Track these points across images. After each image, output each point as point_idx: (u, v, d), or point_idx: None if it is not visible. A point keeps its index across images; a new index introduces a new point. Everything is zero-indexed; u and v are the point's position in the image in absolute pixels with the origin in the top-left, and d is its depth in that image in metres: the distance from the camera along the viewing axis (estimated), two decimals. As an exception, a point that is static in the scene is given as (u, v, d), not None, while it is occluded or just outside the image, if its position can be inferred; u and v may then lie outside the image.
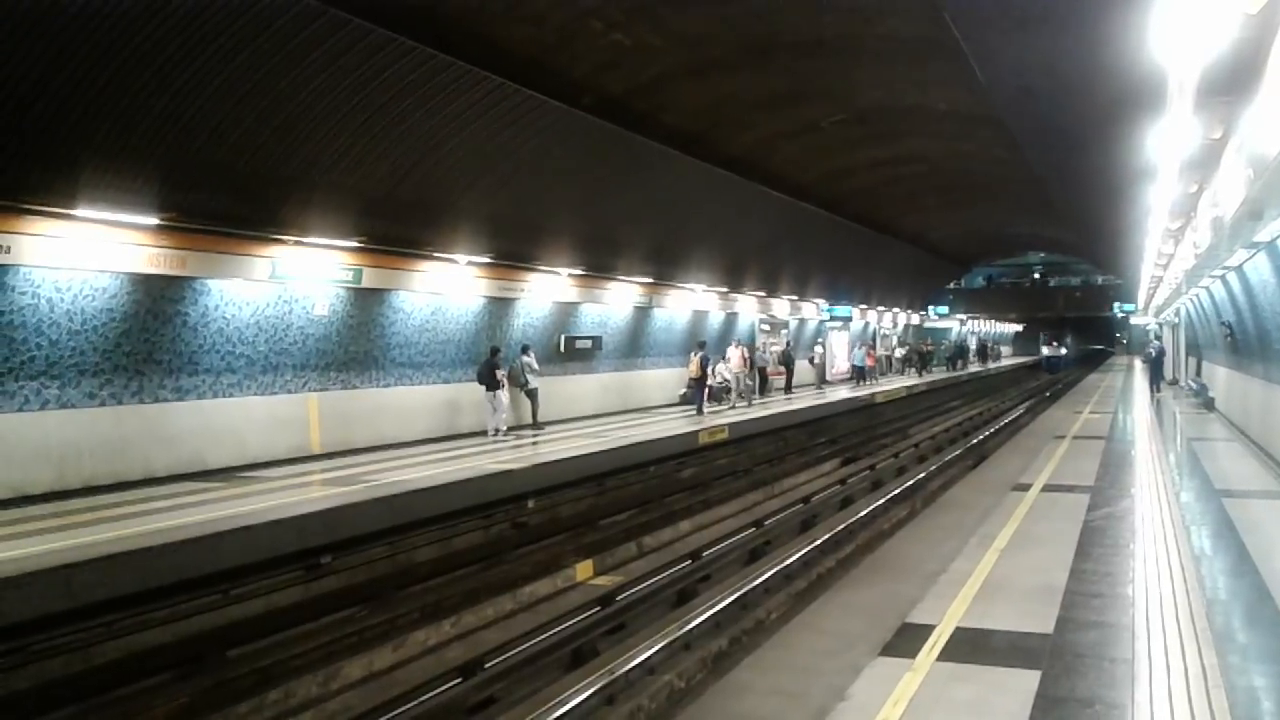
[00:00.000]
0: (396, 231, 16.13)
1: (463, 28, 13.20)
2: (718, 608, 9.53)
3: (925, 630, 6.69)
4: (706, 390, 23.54)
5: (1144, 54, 7.84)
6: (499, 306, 19.78)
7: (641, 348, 25.80)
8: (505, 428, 18.21)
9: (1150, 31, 7.08)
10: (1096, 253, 46.45)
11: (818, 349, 37.05)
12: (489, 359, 18.02)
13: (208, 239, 13.38)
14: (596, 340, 23.25)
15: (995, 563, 8.63)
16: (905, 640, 6.52)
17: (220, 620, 9.25)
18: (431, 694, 7.50)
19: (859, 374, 35.87)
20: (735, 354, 25.29)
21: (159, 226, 12.59)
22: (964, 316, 64.51)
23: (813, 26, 15.48)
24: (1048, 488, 12.77)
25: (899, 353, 46.45)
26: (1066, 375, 61.97)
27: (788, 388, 31.59)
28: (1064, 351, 69.72)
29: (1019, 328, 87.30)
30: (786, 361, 32.46)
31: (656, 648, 8.29)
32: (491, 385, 17.85)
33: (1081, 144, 17.43)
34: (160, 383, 13.27)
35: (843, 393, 31.43)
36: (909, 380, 39.93)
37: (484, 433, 18.10)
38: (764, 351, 32.66)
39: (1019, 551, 9.07)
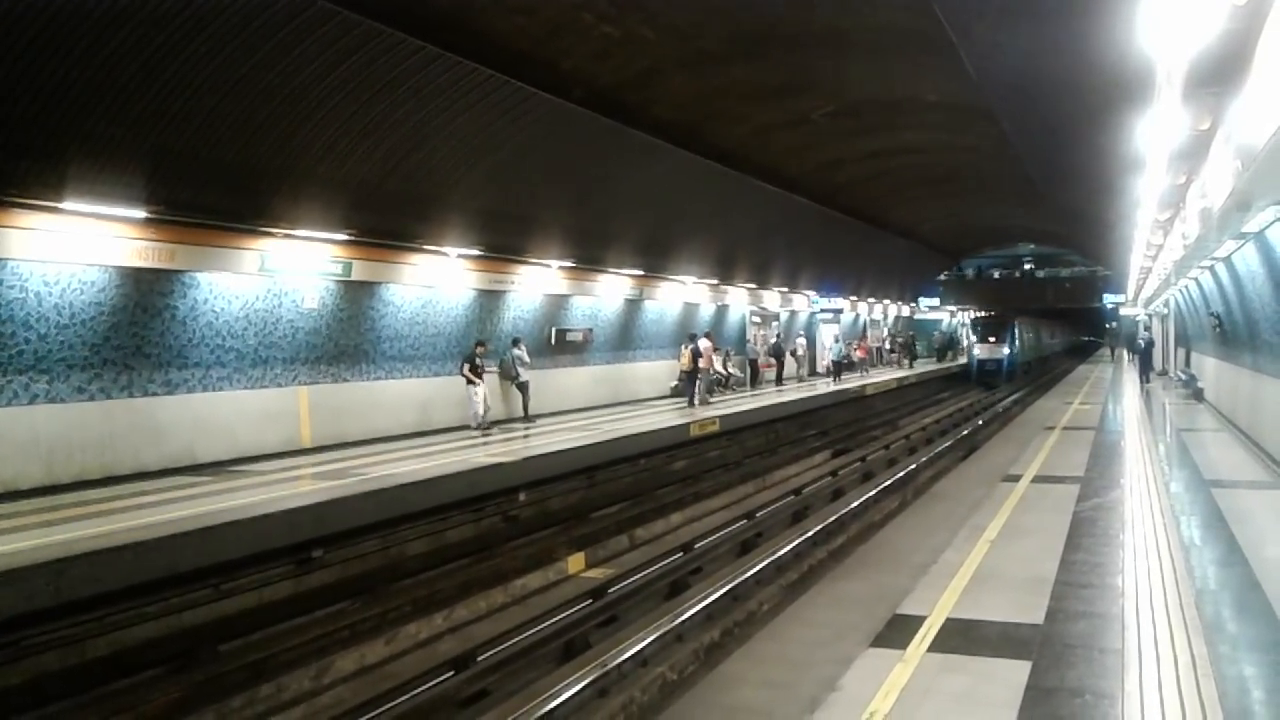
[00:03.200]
0: (386, 224, 16.09)
1: (452, 20, 13.15)
2: (709, 600, 9.56)
3: (916, 621, 6.71)
4: (698, 383, 23.41)
5: (1132, 45, 7.85)
6: (489, 299, 19.75)
7: (632, 340, 25.79)
8: (480, 422, 17.74)
9: (1139, 22, 7.10)
10: (1086, 244, 46.58)
11: (800, 341, 36.50)
12: (470, 352, 17.90)
13: (196, 232, 13.32)
14: (587, 333, 23.23)
15: (985, 554, 8.66)
16: (896, 631, 6.54)
17: (212, 615, 9.24)
18: (424, 687, 7.52)
19: (836, 369, 33.25)
20: (706, 346, 23.67)
21: (147, 220, 12.53)
22: (954, 308, 64.21)
23: (803, 18, 15.46)
24: (1038, 479, 12.82)
25: (887, 344, 46.35)
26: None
27: (778, 379, 31.62)
28: (1007, 352, 43.43)
29: None
30: (777, 354, 32.47)
31: (649, 640, 8.31)
32: (470, 379, 17.72)
33: (1071, 135, 17.46)
34: (149, 377, 13.22)
35: (833, 385, 31.47)
36: (900, 372, 39.92)
37: (477, 425, 18.03)
38: (754, 344, 32.62)
39: (1009, 543, 9.11)
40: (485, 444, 15.84)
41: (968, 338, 47.13)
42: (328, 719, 7.28)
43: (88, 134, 11.08)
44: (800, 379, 34.83)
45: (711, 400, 23.81)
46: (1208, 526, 10.06)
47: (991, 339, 43.85)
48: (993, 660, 5.96)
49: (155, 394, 13.30)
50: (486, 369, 18.21)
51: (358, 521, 11.08)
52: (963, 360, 47.67)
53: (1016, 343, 44.01)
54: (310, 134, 13.32)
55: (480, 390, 17.80)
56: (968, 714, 5.21)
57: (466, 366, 17.71)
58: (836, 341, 35.62)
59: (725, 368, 28.23)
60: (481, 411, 17.86)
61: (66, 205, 11.52)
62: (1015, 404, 33.49)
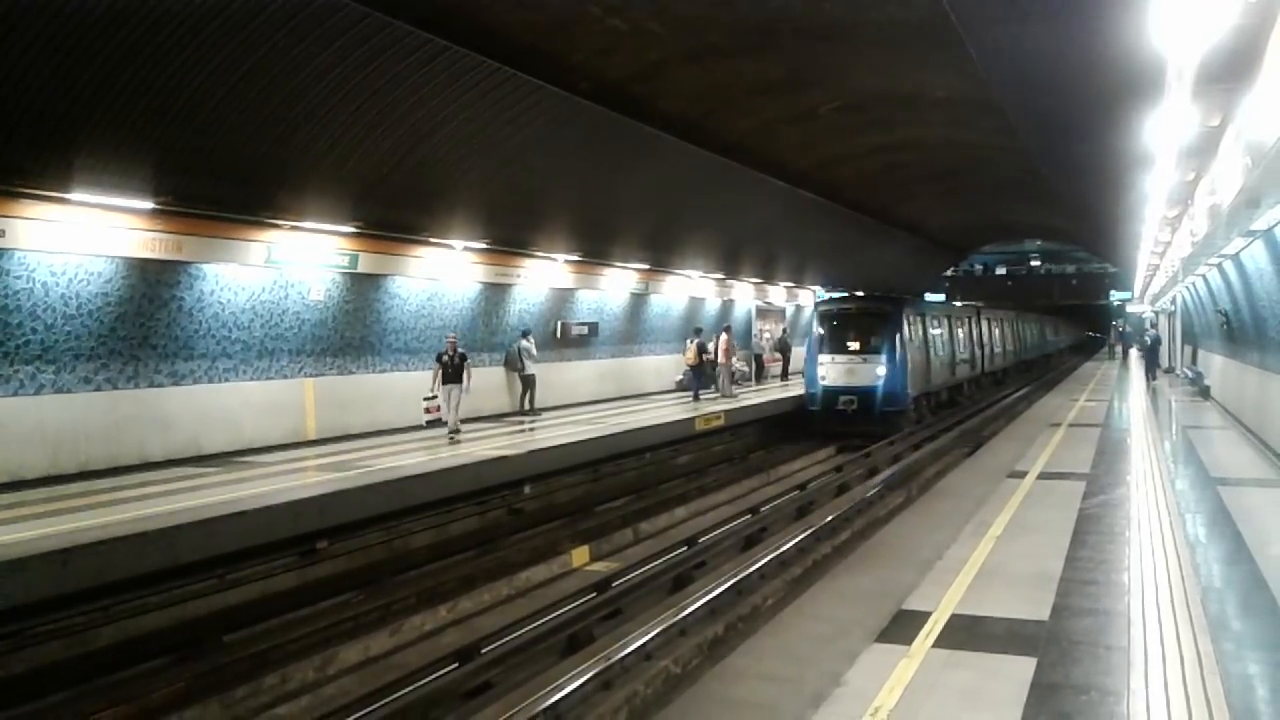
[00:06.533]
0: (392, 217, 16.07)
1: (460, 12, 13.12)
2: (713, 594, 9.55)
3: (921, 617, 6.70)
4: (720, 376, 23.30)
5: (1143, 41, 7.81)
6: (495, 292, 19.74)
7: (638, 334, 25.78)
8: (451, 424, 15.75)
9: (1150, 19, 7.06)
10: (1093, 241, 46.41)
11: None
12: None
13: (203, 223, 13.32)
14: (593, 326, 23.21)
15: (991, 550, 8.64)
16: (901, 627, 6.53)
17: (216, 605, 9.27)
18: (428, 679, 7.53)
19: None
20: (724, 339, 23.51)
21: (154, 211, 12.53)
22: (960, 303, 64.00)
23: (811, 12, 15.39)
24: (1043, 475, 12.79)
25: None
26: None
27: (784, 374, 31.59)
28: (883, 373, 22.19)
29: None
30: (783, 348, 32.44)
31: (652, 634, 8.31)
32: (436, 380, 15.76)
33: (1080, 131, 17.40)
34: (156, 367, 13.23)
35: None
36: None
37: (481, 419, 17.96)
38: (759, 338, 32.57)
39: (1015, 539, 9.09)
40: (490, 437, 15.84)
41: (817, 343, 23.73)
42: (332, 710, 7.29)
43: (95, 126, 11.06)
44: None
45: (722, 393, 23.52)
46: (1214, 524, 10.03)
47: (853, 346, 23.00)
48: (998, 656, 5.95)
49: (161, 385, 13.32)
50: (460, 366, 15.68)
51: (362, 514, 11.10)
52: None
53: (907, 355, 22.97)
54: (317, 126, 13.29)
55: (440, 395, 15.61)
56: (973, 710, 5.20)
57: (437, 365, 15.72)
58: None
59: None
60: (439, 416, 15.67)
61: (74, 196, 11.52)
62: (1021, 400, 33.41)
